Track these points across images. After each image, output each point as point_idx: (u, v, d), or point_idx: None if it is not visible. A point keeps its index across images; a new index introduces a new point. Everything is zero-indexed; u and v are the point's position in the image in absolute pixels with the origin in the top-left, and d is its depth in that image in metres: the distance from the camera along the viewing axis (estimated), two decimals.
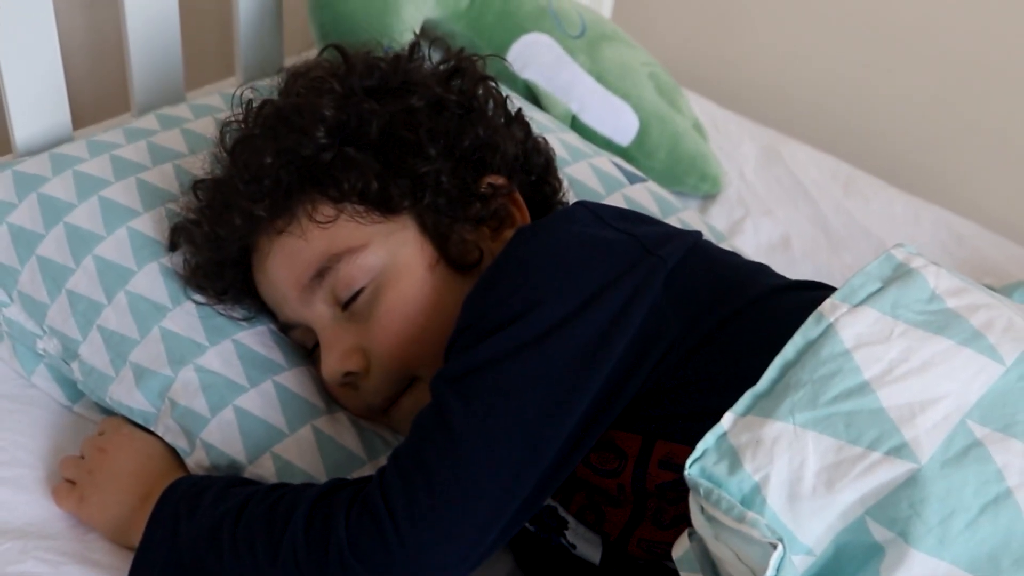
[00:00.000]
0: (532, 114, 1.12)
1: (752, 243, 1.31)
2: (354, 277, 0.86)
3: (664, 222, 0.91)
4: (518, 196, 0.93)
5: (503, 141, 0.92)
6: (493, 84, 0.96)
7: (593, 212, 0.84)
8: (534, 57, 1.30)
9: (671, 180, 1.33)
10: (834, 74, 1.74)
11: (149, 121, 1.12)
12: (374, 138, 0.88)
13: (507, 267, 0.80)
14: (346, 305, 0.87)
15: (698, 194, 1.37)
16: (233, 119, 0.93)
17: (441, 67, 0.95)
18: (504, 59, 1.27)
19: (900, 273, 0.74)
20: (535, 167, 0.97)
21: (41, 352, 0.99)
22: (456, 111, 0.91)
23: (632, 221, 0.85)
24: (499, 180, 0.91)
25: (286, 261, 0.88)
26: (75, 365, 0.96)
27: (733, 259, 0.88)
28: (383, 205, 0.87)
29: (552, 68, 1.30)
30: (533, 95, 1.30)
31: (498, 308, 0.76)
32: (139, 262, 0.96)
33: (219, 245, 0.90)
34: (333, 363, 0.87)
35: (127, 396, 0.92)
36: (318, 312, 0.88)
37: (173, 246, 0.96)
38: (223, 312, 0.94)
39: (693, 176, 1.35)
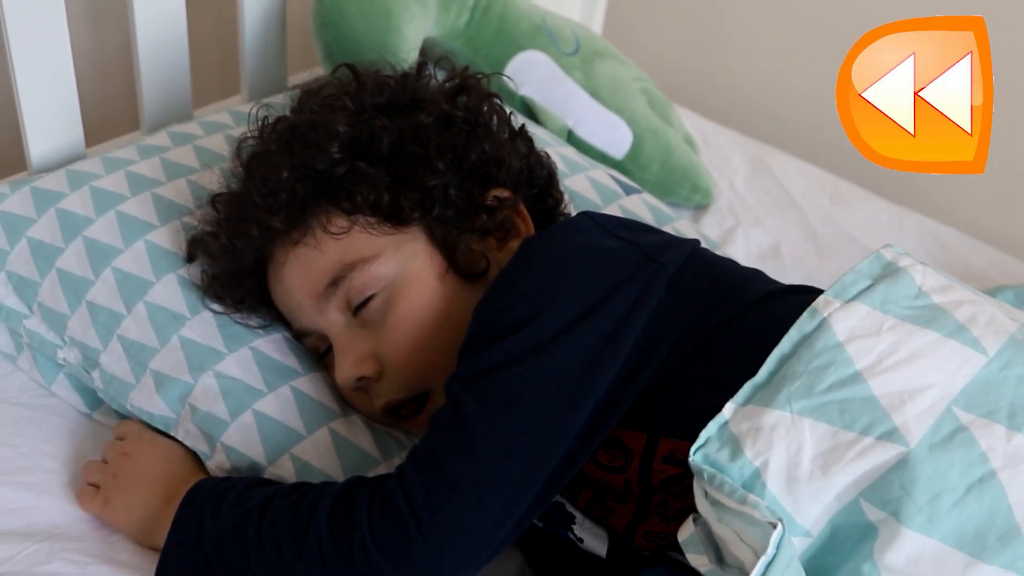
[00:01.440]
0: (530, 129, 1.15)
1: (743, 251, 1.34)
2: (367, 286, 0.89)
3: (663, 231, 0.94)
4: (523, 208, 0.96)
5: (508, 155, 0.95)
6: (497, 101, 0.99)
7: (596, 222, 0.87)
8: (530, 74, 1.32)
9: (664, 191, 1.36)
10: (820, 89, 1.77)
11: (161, 138, 1.15)
12: (385, 153, 0.91)
13: (516, 275, 0.83)
14: (357, 311, 0.90)
15: (690, 205, 1.40)
16: (248, 135, 0.96)
17: (447, 85, 0.98)
18: (507, 76, 1.29)
19: (889, 271, 0.77)
20: (538, 180, 1.00)
21: (61, 362, 1.01)
22: (463, 127, 0.94)
23: (634, 230, 0.88)
24: (504, 193, 0.95)
25: (301, 271, 0.91)
26: (96, 374, 0.98)
27: (730, 265, 0.91)
28: (394, 217, 0.90)
29: (548, 84, 1.33)
30: (530, 111, 1.33)
31: (508, 314, 0.79)
32: (157, 273, 0.98)
33: (236, 256, 0.93)
34: (347, 368, 0.90)
35: (148, 402, 0.94)
36: (332, 319, 0.91)
37: (190, 258, 0.98)
38: (240, 321, 0.97)
39: (685, 187, 1.38)
